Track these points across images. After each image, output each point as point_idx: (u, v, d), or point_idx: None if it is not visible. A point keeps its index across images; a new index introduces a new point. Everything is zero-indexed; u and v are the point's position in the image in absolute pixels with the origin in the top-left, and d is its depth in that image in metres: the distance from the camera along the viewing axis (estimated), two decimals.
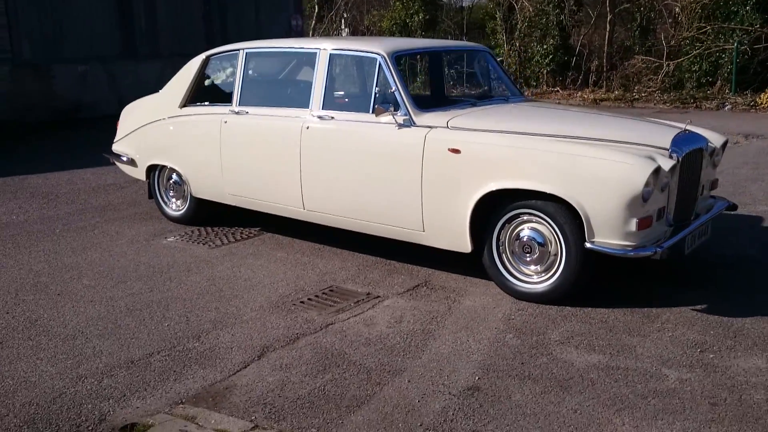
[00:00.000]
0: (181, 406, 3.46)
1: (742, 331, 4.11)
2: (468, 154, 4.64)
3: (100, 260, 5.62)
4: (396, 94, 4.95)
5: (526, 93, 19.49)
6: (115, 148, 7.03)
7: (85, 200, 7.72)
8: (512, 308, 4.52)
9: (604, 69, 19.84)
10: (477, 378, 3.62)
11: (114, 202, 7.57)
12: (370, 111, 5.03)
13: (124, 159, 6.86)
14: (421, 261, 5.36)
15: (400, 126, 4.90)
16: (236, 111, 5.84)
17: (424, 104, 5.11)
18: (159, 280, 5.17)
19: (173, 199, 6.61)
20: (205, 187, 6.19)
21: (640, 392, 3.44)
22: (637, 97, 17.36)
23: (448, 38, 26.74)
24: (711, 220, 4.94)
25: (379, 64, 5.04)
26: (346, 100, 5.32)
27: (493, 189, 4.53)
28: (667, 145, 4.48)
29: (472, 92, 6.12)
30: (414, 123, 4.87)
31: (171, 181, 6.57)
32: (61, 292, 4.97)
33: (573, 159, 4.33)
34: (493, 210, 4.64)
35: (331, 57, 5.36)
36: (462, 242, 4.76)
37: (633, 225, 4.18)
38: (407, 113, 4.90)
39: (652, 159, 4.26)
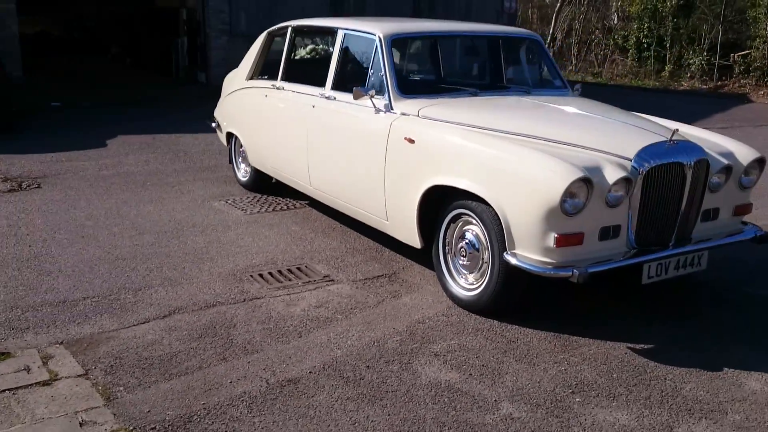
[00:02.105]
0: (56, 345, 3.82)
1: (649, 383, 3.47)
2: (420, 145, 4.41)
3: (147, 213, 6.24)
4: (383, 77, 4.82)
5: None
6: (215, 113, 7.64)
7: (200, 160, 8.51)
8: (438, 312, 4.25)
9: None
10: (309, 372, 3.52)
11: (219, 164, 8.23)
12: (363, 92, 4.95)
13: (214, 125, 7.45)
14: (411, 252, 5.14)
15: (377, 110, 4.78)
16: (277, 86, 6.07)
17: (419, 90, 4.92)
18: (170, 236, 5.62)
19: (242, 165, 7.06)
20: (255, 157, 6.54)
21: (442, 419, 3.11)
22: None
23: (703, 26, 24.35)
24: (707, 250, 4.16)
25: (376, 46, 4.94)
26: (351, 80, 5.27)
27: (435, 184, 4.27)
28: (632, 154, 3.87)
29: (490, 80, 5.66)
30: (391, 109, 4.72)
31: (241, 149, 7.01)
32: (86, 235, 5.62)
33: (500, 159, 3.94)
34: (441, 207, 4.37)
35: (345, 37, 5.35)
36: (413, 237, 4.56)
37: (551, 240, 3.70)
38: (388, 98, 4.75)
39: (589, 167, 3.71)
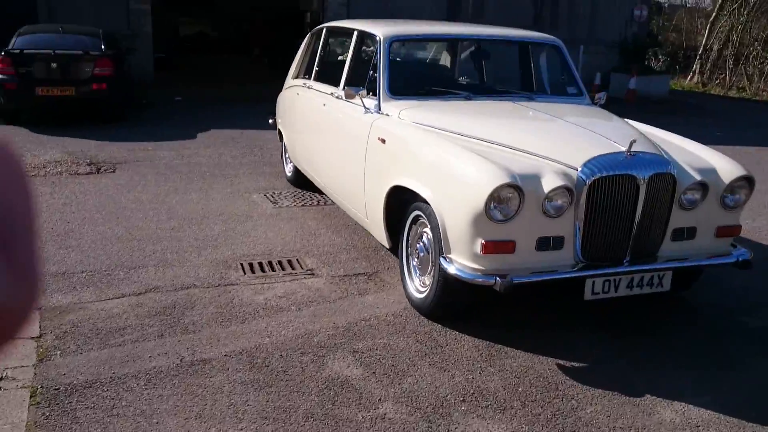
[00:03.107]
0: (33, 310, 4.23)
1: (551, 400, 3.32)
2: (389, 146, 4.46)
3: (186, 201, 6.66)
4: (377, 77, 4.90)
5: None
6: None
7: (270, 155, 8.91)
8: (390, 312, 4.27)
9: None
10: (224, 354, 3.69)
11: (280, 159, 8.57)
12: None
13: (271, 121, 7.80)
14: None
15: (366, 110, 4.87)
16: (307, 85, 6.28)
17: (411, 92, 4.95)
18: (192, 223, 5.98)
19: (288, 161, 7.34)
20: (292, 153, 6.80)
21: (313, 411, 3.16)
22: None
23: None
24: (670, 270, 3.89)
25: (377, 47, 5.02)
26: (360, 80, 5.36)
27: (396, 185, 4.30)
28: (579, 164, 3.71)
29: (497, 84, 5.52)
30: (380, 109, 4.79)
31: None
32: (121, 217, 6.11)
33: (441, 161, 3.92)
34: (405, 208, 4.39)
35: (358, 37, 5.46)
36: (382, 236, 4.61)
37: (478, 246, 3.64)
38: (378, 98, 4.83)
39: (525, 174, 3.60)
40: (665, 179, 3.79)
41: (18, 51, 10.21)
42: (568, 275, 3.73)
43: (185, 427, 3.04)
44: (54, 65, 10.17)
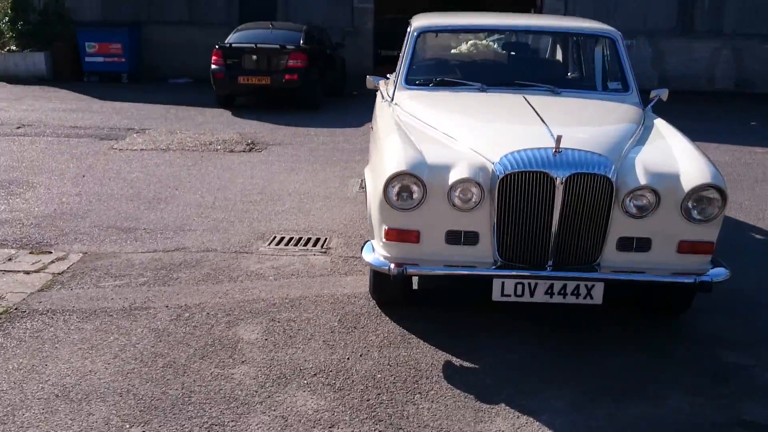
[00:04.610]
0: (80, 253, 5.08)
1: (392, 397, 3.27)
2: (372, 134, 4.59)
3: (289, 180, 7.24)
4: (400, 66, 5.03)
5: None
6: None
7: None
8: (348, 293, 4.41)
9: None
10: (165, 306, 4.15)
11: None
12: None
13: None
14: None
15: (383, 100, 5.02)
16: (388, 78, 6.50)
17: (426, 82, 4.97)
18: (272, 199, 6.53)
19: None
20: None
21: (177, 361, 3.48)
22: None
23: None
24: (602, 281, 3.54)
25: (408, 38, 5.14)
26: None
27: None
28: (496, 158, 3.57)
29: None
30: (392, 98, 4.92)
31: None
32: (221, 187, 6.88)
33: (377, 149, 3.97)
34: None
35: (412, 30, 5.58)
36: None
37: (382, 233, 3.68)
38: (394, 87, 4.96)
39: (436, 164, 3.54)
40: (594, 181, 3.45)
41: (228, 45, 11.67)
42: (472, 272, 3.59)
43: (69, 354, 3.55)
44: (254, 57, 11.46)
